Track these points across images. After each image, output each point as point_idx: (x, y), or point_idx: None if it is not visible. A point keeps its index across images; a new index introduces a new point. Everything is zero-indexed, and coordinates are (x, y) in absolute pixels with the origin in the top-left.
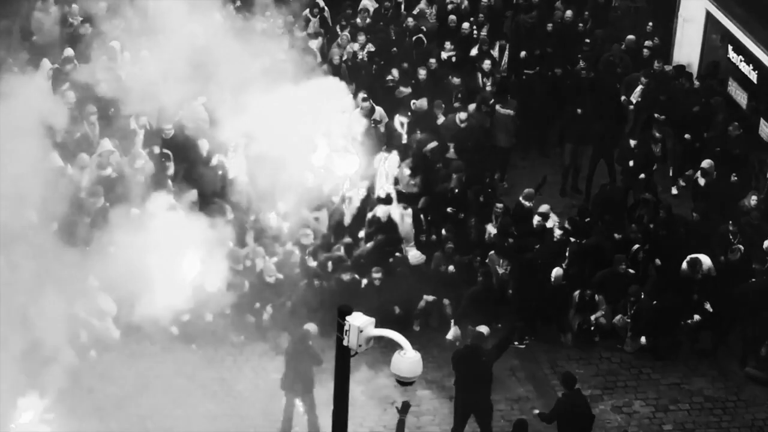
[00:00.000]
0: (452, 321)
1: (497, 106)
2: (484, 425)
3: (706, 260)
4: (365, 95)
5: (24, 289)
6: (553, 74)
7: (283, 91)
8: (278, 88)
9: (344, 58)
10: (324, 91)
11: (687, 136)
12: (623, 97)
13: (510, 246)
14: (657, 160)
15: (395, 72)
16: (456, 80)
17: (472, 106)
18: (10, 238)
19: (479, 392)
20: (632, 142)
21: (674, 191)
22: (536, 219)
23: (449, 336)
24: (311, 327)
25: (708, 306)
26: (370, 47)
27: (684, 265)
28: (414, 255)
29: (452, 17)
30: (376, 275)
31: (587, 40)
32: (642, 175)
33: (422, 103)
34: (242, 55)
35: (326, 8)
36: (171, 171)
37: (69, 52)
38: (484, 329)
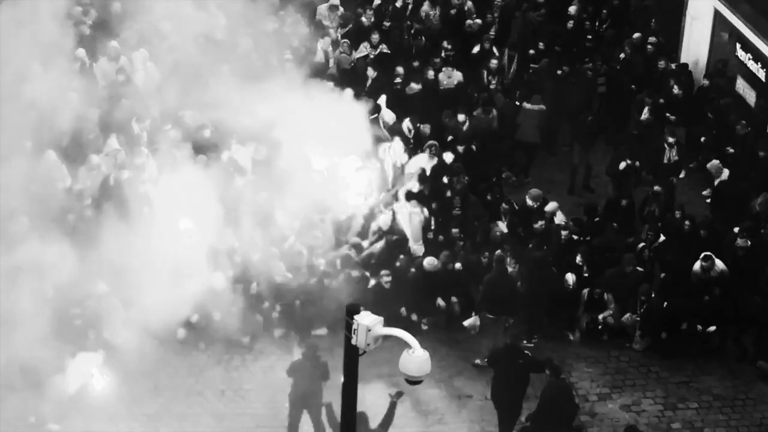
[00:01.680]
0: (473, 312)
1: (524, 103)
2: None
3: (719, 261)
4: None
5: (29, 291)
6: (562, 71)
7: (287, 93)
8: (283, 90)
9: (351, 62)
10: (329, 97)
11: (702, 138)
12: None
13: (518, 245)
14: (672, 167)
15: (400, 69)
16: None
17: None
18: (13, 240)
19: (513, 391)
20: (623, 164)
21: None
22: (541, 220)
23: (467, 323)
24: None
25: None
26: (384, 48)
27: (697, 264)
28: (429, 261)
29: (468, 21)
30: (386, 278)
31: (589, 36)
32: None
33: (426, 129)
34: (249, 55)
35: (341, 8)
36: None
37: (81, 52)
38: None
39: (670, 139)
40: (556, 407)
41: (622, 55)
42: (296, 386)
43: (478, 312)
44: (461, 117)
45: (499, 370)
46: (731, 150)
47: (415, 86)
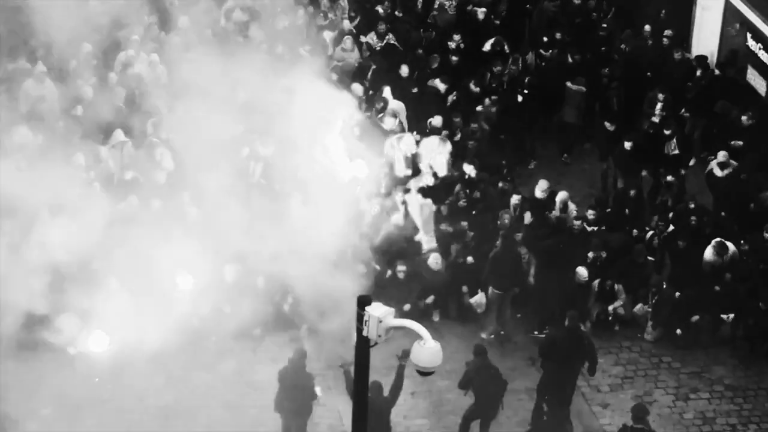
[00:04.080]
0: (479, 289)
1: (567, 83)
2: (564, 405)
3: (731, 246)
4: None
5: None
6: (573, 60)
7: (293, 89)
8: (288, 84)
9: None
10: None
11: (738, 142)
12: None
13: (528, 235)
14: (673, 160)
15: (405, 68)
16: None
17: (486, 100)
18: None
19: (573, 373)
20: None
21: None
22: (555, 210)
23: (473, 300)
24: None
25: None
26: (391, 39)
27: (710, 250)
28: (434, 258)
29: (469, 7)
30: (401, 268)
31: (604, 26)
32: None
33: (437, 121)
34: (258, 49)
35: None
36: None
37: (87, 48)
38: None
39: (666, 132)
40: (484, 383)
41: (622, 46)
42: (281, 391)
43: (484, 288)
44: (474, 126)
45: (556, 355)
46: (740, 142)
47: (440, 85)
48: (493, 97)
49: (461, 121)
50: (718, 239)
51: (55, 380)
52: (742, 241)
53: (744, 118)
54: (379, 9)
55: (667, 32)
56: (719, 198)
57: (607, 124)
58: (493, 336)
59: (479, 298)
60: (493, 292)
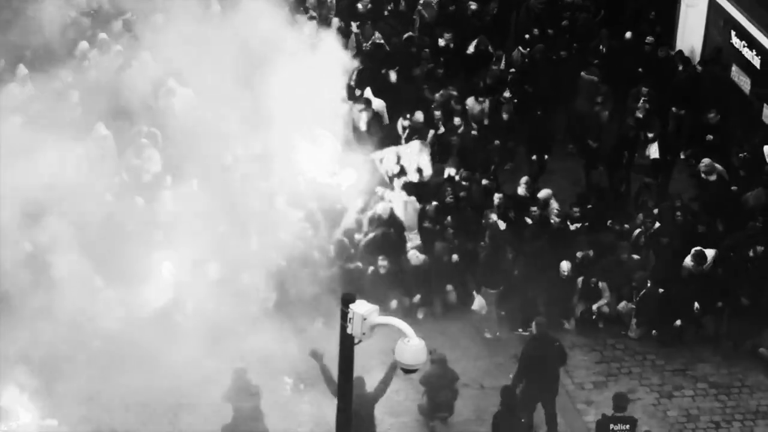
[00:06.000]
0: (474, 292)
1: (582, 73)
2: (550, 409)
3: (710, 252)
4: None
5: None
6: (558, 57)
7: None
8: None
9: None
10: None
11: (709, 137)
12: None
13: (513, 234)
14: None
15: (393, 75)
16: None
17: (470, 99)
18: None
19: (551, 377)
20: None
21: None
22: (535, 207)
23: (474, 306)
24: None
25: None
26: (378, 38)
27: (689, 258)
28: (413, 254)
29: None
30: (382, 263)
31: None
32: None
33: (418, 116)
34: (239, 42)
35: None
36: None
37: (84, 45)
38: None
39: (650, 135)
40: (438, 383)
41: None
42: (234, 415)
43: (479, 291)
44: (457, 120)
45: (533, 362)
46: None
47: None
48: (480, 98)
49: (442, 116)
50: (697, 248)
51: None
52: (730, 247)
53: (711, 116)
54: (359, 6)
55: (649, 39)
56: (707, 200)
57: (590, 141)
58: (498, 334)
59: (480, 302)
60: (486, 292)
